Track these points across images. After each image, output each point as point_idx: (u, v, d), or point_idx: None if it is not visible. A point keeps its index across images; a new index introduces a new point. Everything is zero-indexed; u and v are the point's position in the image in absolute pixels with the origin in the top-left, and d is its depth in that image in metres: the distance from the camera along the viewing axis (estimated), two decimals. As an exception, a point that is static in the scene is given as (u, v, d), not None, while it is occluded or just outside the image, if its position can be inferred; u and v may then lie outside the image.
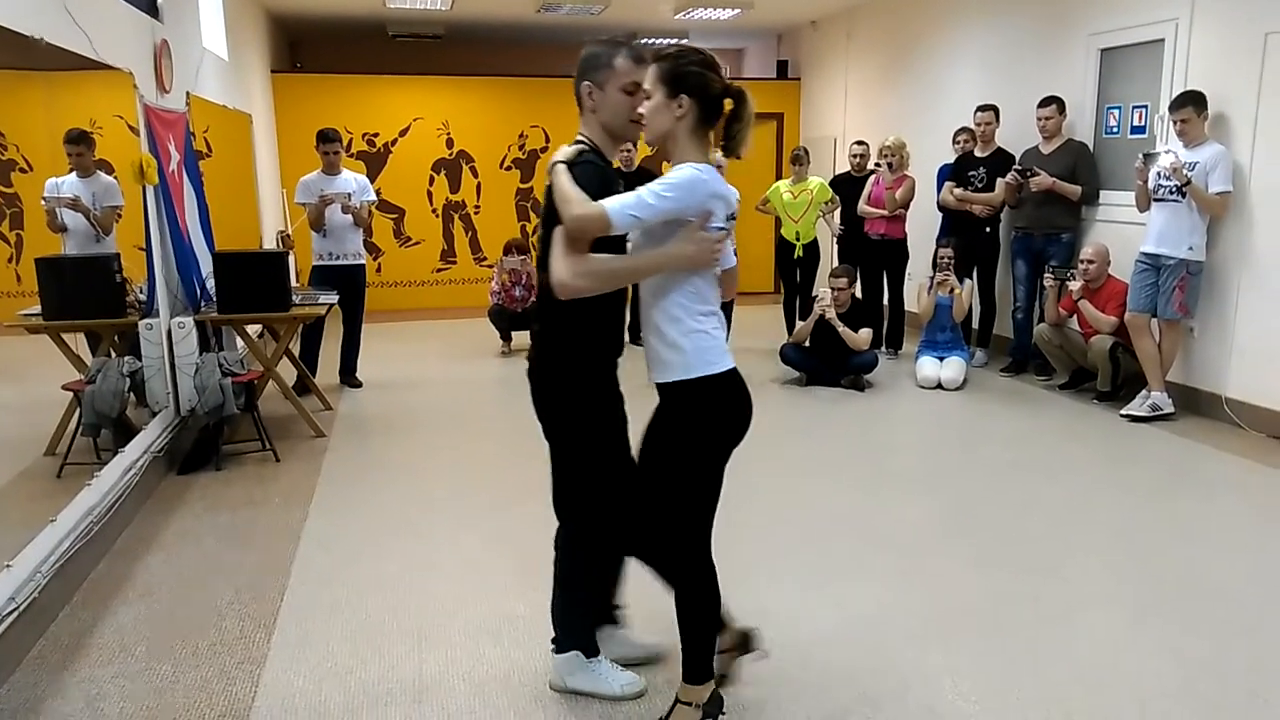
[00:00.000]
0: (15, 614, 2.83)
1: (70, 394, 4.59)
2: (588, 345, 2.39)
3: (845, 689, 2.68)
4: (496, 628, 3.02)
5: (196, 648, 2.93)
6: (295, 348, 6.06)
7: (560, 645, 2.64)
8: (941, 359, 6.37)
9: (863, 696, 2.65)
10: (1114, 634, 3.00)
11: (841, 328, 6.15)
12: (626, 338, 8.51)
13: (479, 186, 10.03)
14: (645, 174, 7.60)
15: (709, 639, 2.40)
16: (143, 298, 4.98)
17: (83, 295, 4.82)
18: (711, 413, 2.27)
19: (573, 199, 2.15)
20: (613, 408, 2.46)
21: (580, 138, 2.42)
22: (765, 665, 2.79)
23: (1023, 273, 6.47)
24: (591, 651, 2.64)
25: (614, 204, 2.11)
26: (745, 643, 2.59)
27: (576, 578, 2.60)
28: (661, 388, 2.29)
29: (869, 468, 4.79)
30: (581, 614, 2.64)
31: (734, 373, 2.29)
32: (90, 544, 3.49)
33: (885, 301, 7.26)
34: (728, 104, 2.25)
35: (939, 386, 6.23)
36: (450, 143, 9.89)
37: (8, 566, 2.91)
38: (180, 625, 3.09)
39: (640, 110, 2.29)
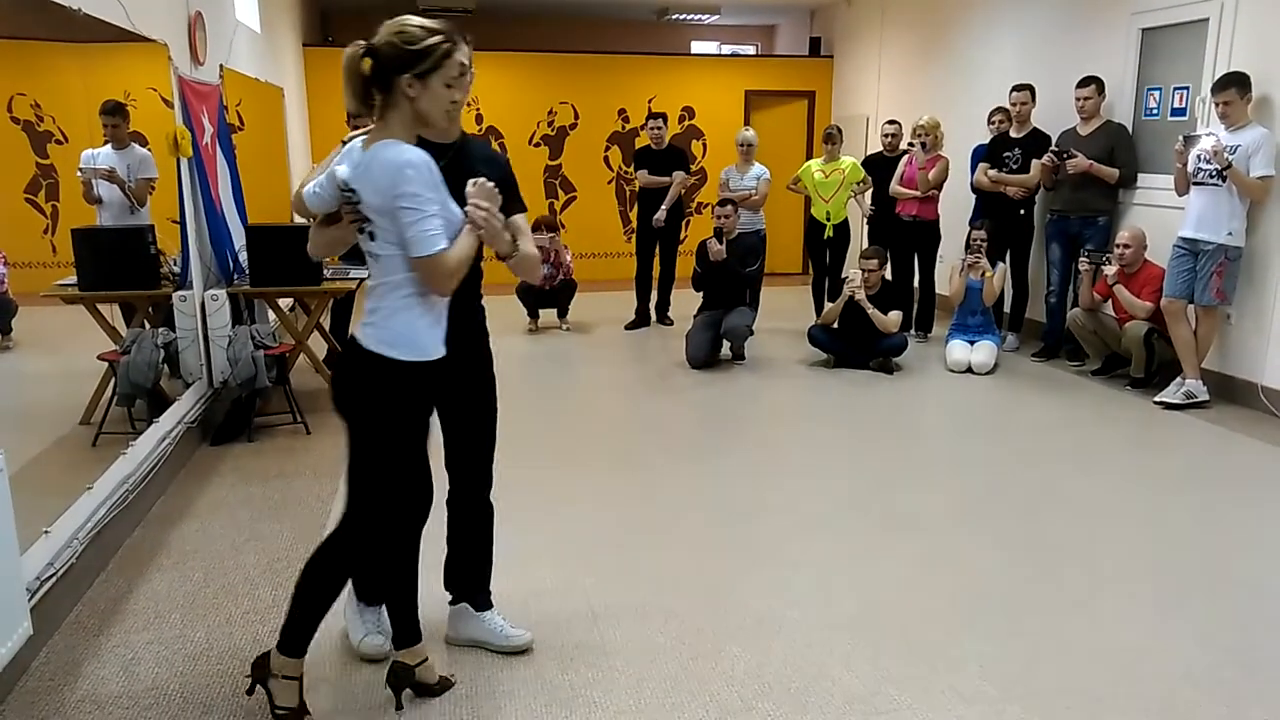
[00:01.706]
0: (54, 579, 2.88)
1: (105, 364, 4.66)
2: None
3: (870, 672, 2.68)
4: (524, 599, 3.04)
5: (230, 615, 2.98)
6: (326, 322, 6.11)
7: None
8: (972, 343, 6.32)
9: (887, 679, 2.64)
10: (1142, 622, 2.98)
11: (871, 309, 6.10)
12: (654, 317, 8.43)
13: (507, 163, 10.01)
14: (675, 151, 7.58)
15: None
16: (176, 270, 5.03)
17: (118, 267, 4.88)
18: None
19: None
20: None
21: None
22: (788, 646, 2.80)
23: (1057, 256, 6.39)
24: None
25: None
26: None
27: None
28: None
29: (896, 451, 4.76)
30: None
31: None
32: (125, 512, 3.55)
33: (916, 284, 7.20)
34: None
35: (969, 370, 6.17)
36: (480, 118, 9.88)
37: (45, 532, 2.96)
38: (214, 593, 3.14)
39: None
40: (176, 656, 2.74)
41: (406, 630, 2.49)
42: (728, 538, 3.61)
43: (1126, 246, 5.66)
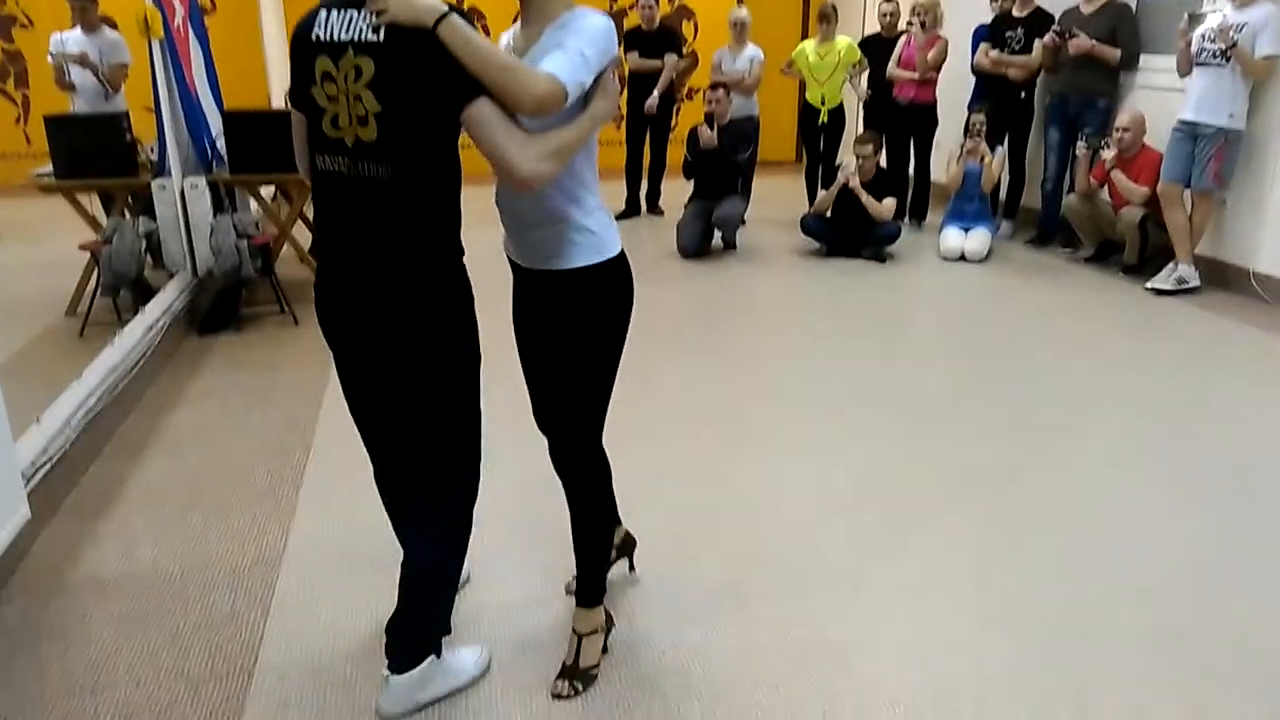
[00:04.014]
0: (48, 465, 2.90)
1: (87, 254, 4.59)
2: (455, 246, 1.91)
3: (860, 545, 2.74)
4: (514, 489, 3.06)
5: (226, 500, 3.01)
6: (309, 211, 6.00)
7: (409, 661, 2.04)
8: (967, 230, 6.26)
9: (875, 554, 2.70)
10: (1128, 500, 3.03)
11: (865, 197, 6.02)
12: (644, 206, 8.23)
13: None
14: (667, 32, 7.32)
15: (608, 553, 2.27)
16: (154, 158, 4.91)
17: (93, 154, 4.76)
18: (627, 292, 2.02)
19: (518, 68, 1.70)
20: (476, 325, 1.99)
21: None
22: (779, 527, 2.85)
23: (1055, 141, 6.27)
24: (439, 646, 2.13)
25: (561, 73, 1.71)
26: (626, 546, 2.52)
27: (448, 570, 2.09)
28: (565, 275, 1.95)
29: (886, 338, 4.77)
30: (444, 612, 2.13)
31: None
32: (116, 401, 3.55)
33: (911, 170, 7.08)
34: None
35: (962, 258, 6.14)
36: None
37: (36, 421, 2.96)
38: (209, 478, 3.16)
39: None
40: (175, 539, 2.78)
41: (600, 585, 2.21)
42: (719, 424, 3.64)
43: (1126, 130, 5.55)
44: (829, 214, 6.26)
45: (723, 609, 2.44)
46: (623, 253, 2.01)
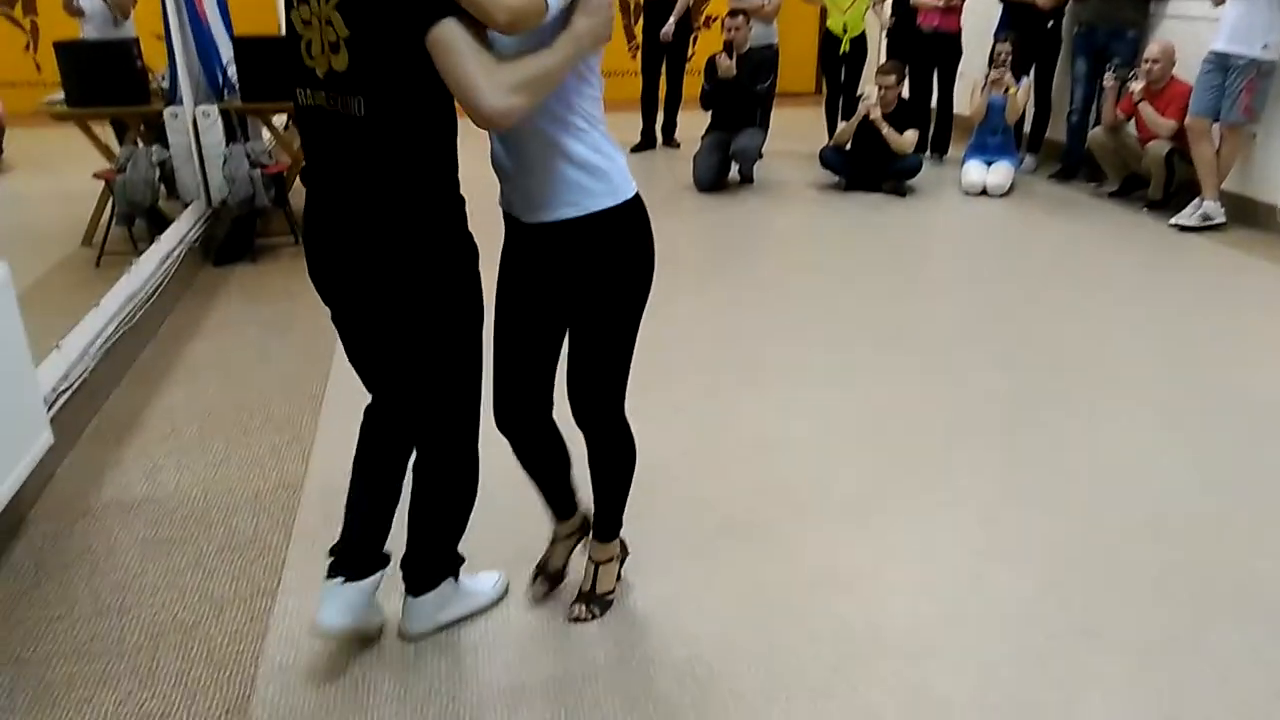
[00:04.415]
0: (69, 392, 2.92)
1: (102, 183, 4.58)
2: (447, 194, 1.73)
3: (870, 482, 2.75)
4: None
5: (247, 427, 3.04)
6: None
7: (423, 587, 2.06)
8: (989, 164, 6.14)
9: (884, 484, 2.71)
10: (1140, 437, 3.02)
11: (886, 129, 5.90)
12: (660, 138, 8.07)
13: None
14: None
15: (626, 496, 2.13)
16: (165, 86, 4.85)
17: (105, 81, 4.71)
18: (646, 240, 1.84)
19: None
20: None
21: None
22: (790, 460, 2.86)
23: (1082, 72, 6.12)
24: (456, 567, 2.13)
25: None
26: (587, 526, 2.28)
27: (450, 513, 2.04)
28: (574, 225, 1.76)
29: (904, 274, 4.73)
30: (452, 544, 2.09)
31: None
32: (134, 329, 3.56)
33: (934, 102, 6.93)
34: None
35: (984, 193, 6.04)
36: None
37: (56, 347, 2.99)
38: (229, 406, 3.19)
39: None
40: (197, 464, 2.82)
41: (616, 523, 2.18)
42: (733, 358, 3.63)
43: (1155, 61, 5.40)
44: (849, 146, 6.15)
45: (735, 539, 2.46)
46: (638, 195, 1.82)
